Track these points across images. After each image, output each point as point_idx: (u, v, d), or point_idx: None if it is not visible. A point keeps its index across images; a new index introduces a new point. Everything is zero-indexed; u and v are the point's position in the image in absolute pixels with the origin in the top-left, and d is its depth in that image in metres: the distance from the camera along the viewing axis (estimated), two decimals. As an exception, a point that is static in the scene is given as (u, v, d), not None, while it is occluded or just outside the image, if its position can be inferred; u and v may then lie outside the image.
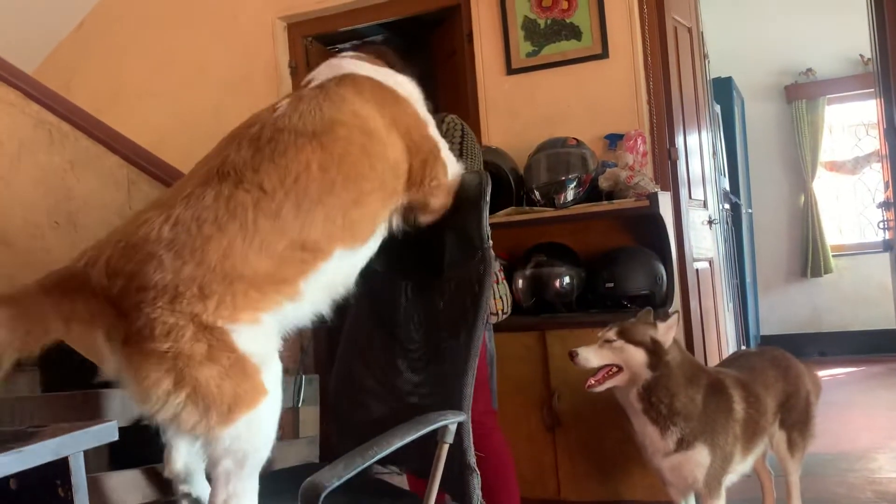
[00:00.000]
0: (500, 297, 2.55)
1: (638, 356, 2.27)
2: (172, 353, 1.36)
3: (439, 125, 2.43)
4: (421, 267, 1.82)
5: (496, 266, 2.56)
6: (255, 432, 1.43)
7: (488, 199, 1.65)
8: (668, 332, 2.30)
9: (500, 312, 2.56)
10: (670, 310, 2.96)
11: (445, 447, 1.47)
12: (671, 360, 2.28)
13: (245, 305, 1.43)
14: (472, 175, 1.77)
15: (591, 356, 2.30)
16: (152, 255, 1.40)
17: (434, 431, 1.51)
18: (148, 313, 1.36)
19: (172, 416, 1.38)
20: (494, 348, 2.54)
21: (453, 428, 1.47)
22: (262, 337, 1.47)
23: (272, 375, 1.47)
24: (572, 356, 2.30)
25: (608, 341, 2.31)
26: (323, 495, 1.18)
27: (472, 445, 1.59)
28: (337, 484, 1.22)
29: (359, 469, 1.27)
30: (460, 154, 2.37)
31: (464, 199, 1.72)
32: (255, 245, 1.46)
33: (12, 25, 4.09)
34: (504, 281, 2.64)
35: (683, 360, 2.33)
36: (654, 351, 2.27)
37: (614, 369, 2.30)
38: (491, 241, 1.66)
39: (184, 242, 1.42)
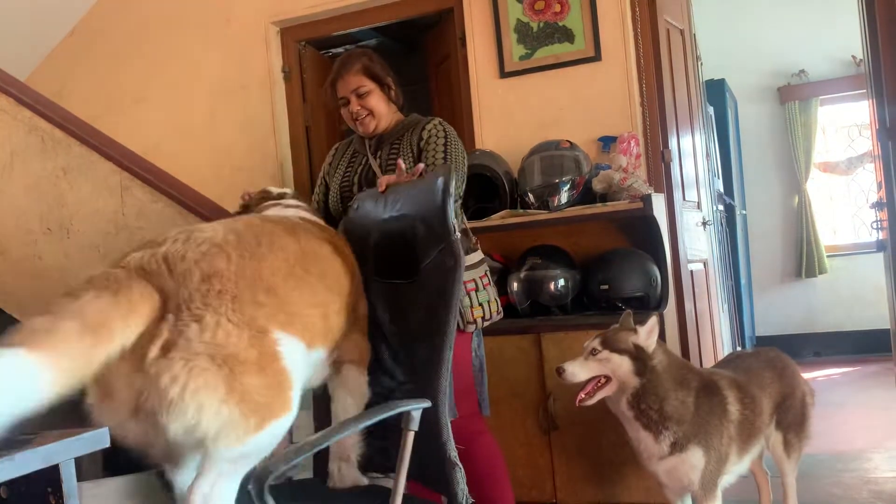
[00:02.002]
0: (480, 304, 2.38)
1: (624, 364, 2.25)
2: (231, 355, 1.35)
3: (422, 131, 2.43)
4: (396, 266, 1.83)
5: (480, 272, 2.42)
6: (270, 442, 1.44)
7: (452, 190, 1.68)
8: (649, 336, 2.28)
9: (479, 320, 2.38)
10: (664, 311, 2.97)
11: (410, 434, 1.47)
12: (657, 364, 2.26)
13: (285, 319, 1.50)
14: (436, 169, 1.79)
15: (578, 370, 2.28)
16: (221, 247, 1.48)
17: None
18: (215, 307, 1.38)
19: (219, 426, 1.35)
20: (484, 355, 2.49)
21: (416, 415, 1.47)
22: (300, 354, 1.52)
23: (297, 394, 1.50)
24: (559, 372, 2.29)
25: (593, 353, 2.29)
26: (270, 478, 1.24)
27: (451, 440, 1.59)
28: (284, 468, 1.29)
29: (309, 453, 1.32)
30: (444, 159, 2.34)
31: (427, 191, 1.74)
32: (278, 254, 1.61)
33: (4, 32, 4.08)
34: (488, 287, 2.44)
35: (671, 364, 2.32)
36: (639, 357, 2.25)
37: (602, 380, 2.28)
38: (458, 234, 1.66)
39: (243, 244, 1.53)
